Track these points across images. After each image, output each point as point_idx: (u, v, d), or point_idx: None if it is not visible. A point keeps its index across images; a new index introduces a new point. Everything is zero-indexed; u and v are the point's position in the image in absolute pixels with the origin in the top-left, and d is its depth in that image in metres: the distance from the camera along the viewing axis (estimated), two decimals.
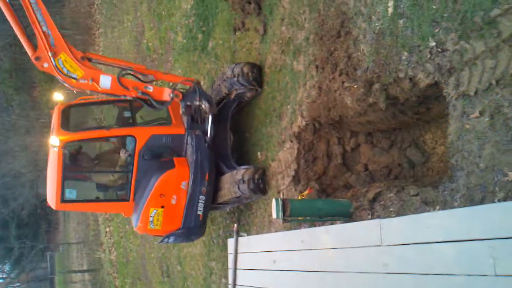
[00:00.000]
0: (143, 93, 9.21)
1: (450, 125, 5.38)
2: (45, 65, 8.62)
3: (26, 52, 8.55)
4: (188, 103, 9.51)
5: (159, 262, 18.00)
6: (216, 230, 12.47)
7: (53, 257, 52.30)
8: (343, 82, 7.22)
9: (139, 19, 20.07)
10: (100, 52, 28.93)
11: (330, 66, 7.56)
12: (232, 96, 10.19)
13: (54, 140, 9.29)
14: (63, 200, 9.87)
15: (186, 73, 14.04)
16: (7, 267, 57.88)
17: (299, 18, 8.54)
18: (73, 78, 8.78)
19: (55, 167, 9.51)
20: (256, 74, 9.78)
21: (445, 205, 5.41)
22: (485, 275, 4.34)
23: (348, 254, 6.21)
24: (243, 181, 9.40)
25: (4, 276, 58.47)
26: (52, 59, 8.52)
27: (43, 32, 8.41)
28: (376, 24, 6.50)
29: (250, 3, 10.13)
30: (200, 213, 10.24)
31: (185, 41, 14.51)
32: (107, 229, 28.70)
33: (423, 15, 5.68)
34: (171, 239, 10.62)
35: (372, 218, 6.45)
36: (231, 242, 9.93)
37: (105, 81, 8.95)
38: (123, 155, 9.93)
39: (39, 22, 8.37)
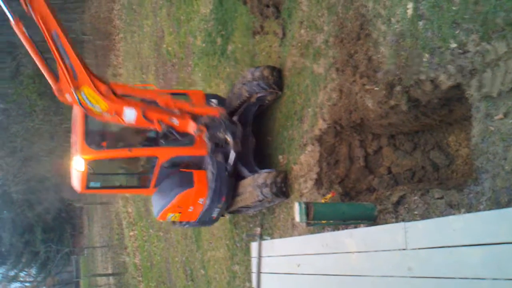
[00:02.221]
0: (167, 125, 9.25)
1: (473, 127, 5.33)
2: (68, 97, 8.41)
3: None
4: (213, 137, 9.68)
5: (183, 266, 18.09)
6: (239, 234, 12.49)
7: (78, 261, 52.83)
8: (364, 85, 7.19)
9: (158, 24, 20.20)
10: (120, 57, 29.18)
11: (351, 69, 7.54)
12: (253, 100, 10.21)
13: (78, 163, 9.41)
14: (88, 187, 10.12)
15: (206, 77, 14.11)
16: (33, 271, 58.68)
17: (317, 21, 8.52)
18: (97, 110, 8.65)
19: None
20: (276, 77, 9.78)
21: (470, 208, 5.36)
22: None
23: (372, 257, 6.18)
24: (266, 185, 9.41)
25: (30, 279, 59.28)
26: (74, 92, 8.29)
27: (65, 65, 8.12)
28: (396, 26, 6.46)
29: (268, 6, 10.14)
30: (214, 215, 10.79)
31: (204, 45, 14.57)
32: (131, 233, 28.90)
33: (443, 17, 5.64)
34: (186, 225, 11.64)
35: (396, 222, 6.41)
36: (254, 246, 9.95)
37: (130, 115, 8.88)
38: None
39: (61, 55, 8.07)
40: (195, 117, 9.47)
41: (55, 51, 7.98)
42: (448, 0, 5.54)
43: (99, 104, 8.57)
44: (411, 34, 6.18)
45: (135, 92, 9.52)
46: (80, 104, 8.44)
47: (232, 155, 9.93)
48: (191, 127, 9.31)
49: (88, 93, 8.40)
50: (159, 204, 10.61)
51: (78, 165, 9.38)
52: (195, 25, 15.34)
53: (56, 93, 8.33)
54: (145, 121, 9.06)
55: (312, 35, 8.74)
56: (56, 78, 8.26)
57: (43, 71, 8.12)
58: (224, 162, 10.07)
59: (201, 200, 10.27)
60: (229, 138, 9.65)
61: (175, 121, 9.27)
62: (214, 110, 9.81)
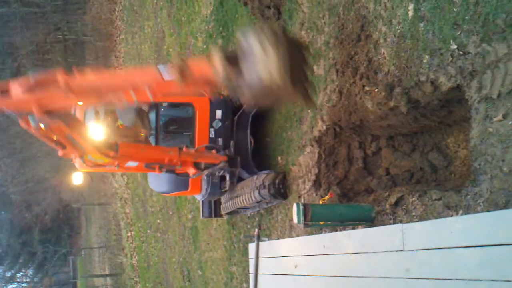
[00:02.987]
0: (168, 170, 9.25)
1: (472, 129, 5.32)
2: (75, 163, 8.57)
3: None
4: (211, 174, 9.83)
5: (180, 267, 18.07)
6: (237, 235, 12.49)
7: (75, 262, 52.80)
8: (363, 86, 7.19)
9: (159, 25, 20.22)
10: (121, 58, 29.20)
11: (351, 70, 7.54)
12: None
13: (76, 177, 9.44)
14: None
15: None
16: (30, 271, 58.63)
17: (318, 23, 8.53)
18: (99, 162, 8.58)
19: None
20: None
21: (468, 210, 5.35)
22: (509, 281, 4.29)
23: (370, 259, 6.17)
24: (264, 186, 9.41)
25: (27, 280, 59.21)
26: (81, 159, 8.22)
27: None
28: (397, 28, 6.46)
29: (269, 8, 10.14)
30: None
31: (205, 46, 14.58)
32: (129, 234, 28.90)
33: (444, 18, 5.64)
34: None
35: (394, 223, 6.41)
36: (252, 246, 9.93)
37: (132, 164, 8.90)
38: None
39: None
40: (196, 163, 9.44)
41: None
42: (449, 1, 5.54)
43: (104, 160, 8.53)
44: (411, 36, 6.19)
45: (140, 155, 9.19)
46: (84, 162, 8.40)
47: (227, 183, 10.14)
48: (191, 172, 9.33)
49: (94, 155, 8.33)
50: (156, 186, 11.11)
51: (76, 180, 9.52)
52: (196, 26, 15.36)
53: (61, 155, 8.13)
54: (147, 169, 9.15)
55: (312, 36, 8.74)
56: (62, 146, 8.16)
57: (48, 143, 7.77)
58: (219, 181, 10.24)
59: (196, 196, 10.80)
60: (227, 177, 9.75)
61: (177, 167, 9.27)
62: (215, 159, 9.71)
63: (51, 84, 5.79)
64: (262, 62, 5.34)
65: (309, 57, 5.81)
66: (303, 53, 5.56)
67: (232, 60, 5.54)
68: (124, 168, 9.00)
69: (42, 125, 6.47)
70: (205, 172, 9.49)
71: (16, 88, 5.67)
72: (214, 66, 5.43)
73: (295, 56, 5.45)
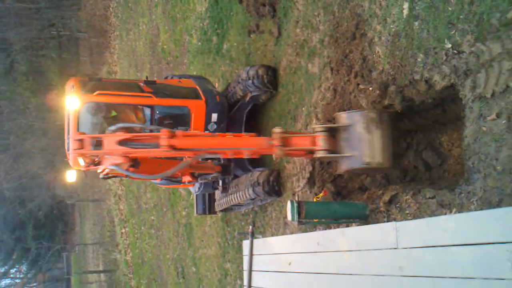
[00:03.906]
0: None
1: (466, 128, 5.35)
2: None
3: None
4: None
5: (175, 263, 18.08)
6: (231, 232, 12.50)
7: (69, 258, 52.73)
8: (358, 84, 7.21)
9: (154, 21, 20.18)
10: (115, 55, 29.13)
11: (345, 68, 7.55)
12: (247, 99, 10.21)
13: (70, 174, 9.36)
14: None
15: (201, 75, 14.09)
16: (24, 267, 58.50)
17: (313, 21, 8.54)
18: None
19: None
20: (271, 77, 9.79)
21: (462, 208, 5.38)
22: (502, 279, 4.31)
23: (364, 256, 6.18)
24: (258, 183, 9.42)
25: (21, 276, 59.08)
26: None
27: None
28: (391, 26, 6.48)
29: (264, 5, 10.15)
30: None
31: (200, 43, 14.57)
32: (123, 230, 28.86)
33: (439, 17, 5.66)
34: None
35: (388, 221, 6.43)
36: (246, 244, 9.94)
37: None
38: None
39: None
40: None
41: None
42: (444, 0, 5.56)
43: None
44: (406, 34, 6.20)
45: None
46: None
47: (220, 188, 10.20)
48: (187, 179, 9.33)
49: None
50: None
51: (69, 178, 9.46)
52: (191, 23, 15.34)
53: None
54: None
55: (307, 34, 8.75)
56: None
57: None
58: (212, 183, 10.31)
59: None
60: (220, 182, 9.83)
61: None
62: (211, 170, 9.69)
63: (151, 141, 6.28)
64: (367, 144, 5.81)
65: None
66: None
67: (334, 134, 6.04)
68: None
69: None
70: (199, 179, 9.50)
71: (110, 139, 6.23)
72: (316, 143, 6.18)
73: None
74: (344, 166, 6.40)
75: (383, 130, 6.04)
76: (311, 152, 6.46)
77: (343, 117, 6.30)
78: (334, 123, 6.54)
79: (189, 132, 6.51)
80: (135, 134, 6.45)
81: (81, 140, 6.51)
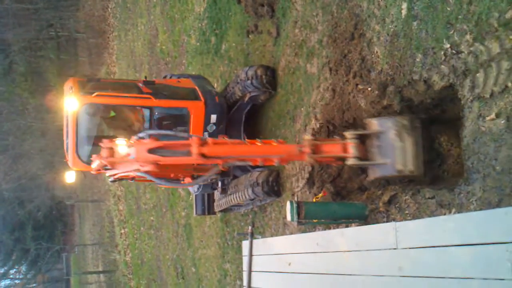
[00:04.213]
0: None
1: (465, 128, 5.35)
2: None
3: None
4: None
5: (174, 264, 18.07)
6: (230, 232, 12.50)
7: (68, 258, 52.67)
8: (357, 85, 7.21)
9: (152, 22, 20.17)
10: (114, 55, 29.11)
11: (344, 69, 7.55)
12: (246, 99, 10.20)
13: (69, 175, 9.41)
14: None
15: None
16: (23, 268, 58.45)
17: (312, 21, 8.53)
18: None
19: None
20: (270, 77, 9.79)
21: (461, 208, 5.38)
22: (502, 279, 4.31)
23: (363, 257, 6.18)
24: (257, 184, 9.42)
25: (20, 277, 59.04)
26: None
27: None
28: (390, 26, 6.48)
29: (263, 5, 10.14)
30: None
31: (198, 44, 14.57)
32: (122, 231, 28.85)
33: (437, 17, 5.66)
34: None
35: (387, 221, 6.43)
36: (245, 244, 9.93)
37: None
38: None
39: None
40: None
41: None
42: (443, 0, 5.56)
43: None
44: (405, 34, 6.20)
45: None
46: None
47: (220, 189, 10.28)
48: (187, 180, 9.31)
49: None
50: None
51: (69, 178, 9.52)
52: (189, 23, 15.33)
53: None
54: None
55: (306, 35, 8.75)
56: None
57: None
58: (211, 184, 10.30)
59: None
60: (219, 182, 9.90)
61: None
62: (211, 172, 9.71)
63: (182, 148, 6.28)
64: (399, 152, 5.80)
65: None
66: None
67: (364, 140, 6.20)
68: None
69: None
70: (199, 180, 9.50)
71: (141, 147, 6.21)
72: (347, 150, 6.18)
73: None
74: (375, 174, 6.39)
75: (414, 137, 6.03)
76: (341, 159, 6.41)
77: (375, 124, 6.25)
78: (364, 130, 6.47)
79: (220, 140, 6.43)
80: (166, 142, 6.41)
81: (111, 149, 6.45)
